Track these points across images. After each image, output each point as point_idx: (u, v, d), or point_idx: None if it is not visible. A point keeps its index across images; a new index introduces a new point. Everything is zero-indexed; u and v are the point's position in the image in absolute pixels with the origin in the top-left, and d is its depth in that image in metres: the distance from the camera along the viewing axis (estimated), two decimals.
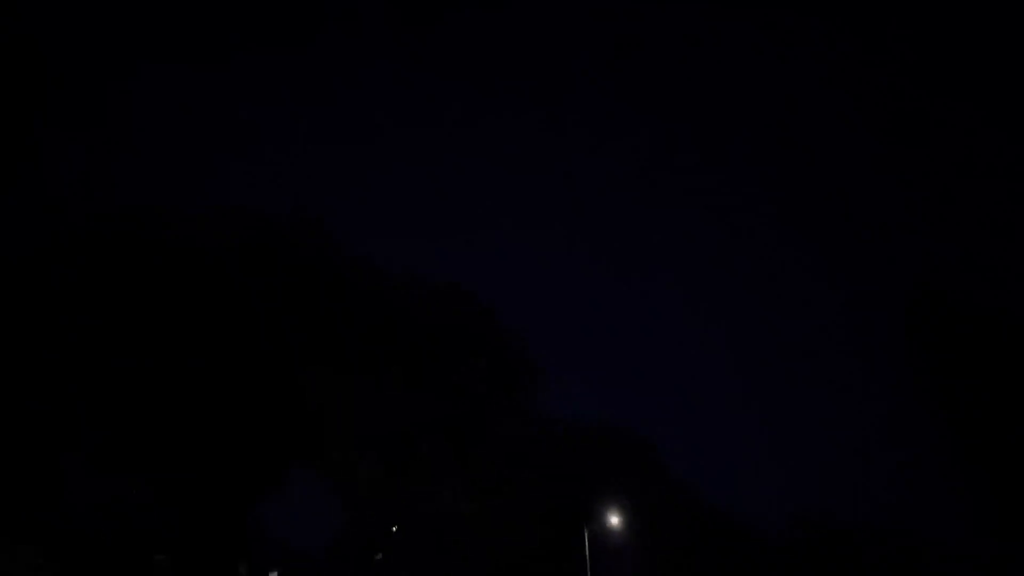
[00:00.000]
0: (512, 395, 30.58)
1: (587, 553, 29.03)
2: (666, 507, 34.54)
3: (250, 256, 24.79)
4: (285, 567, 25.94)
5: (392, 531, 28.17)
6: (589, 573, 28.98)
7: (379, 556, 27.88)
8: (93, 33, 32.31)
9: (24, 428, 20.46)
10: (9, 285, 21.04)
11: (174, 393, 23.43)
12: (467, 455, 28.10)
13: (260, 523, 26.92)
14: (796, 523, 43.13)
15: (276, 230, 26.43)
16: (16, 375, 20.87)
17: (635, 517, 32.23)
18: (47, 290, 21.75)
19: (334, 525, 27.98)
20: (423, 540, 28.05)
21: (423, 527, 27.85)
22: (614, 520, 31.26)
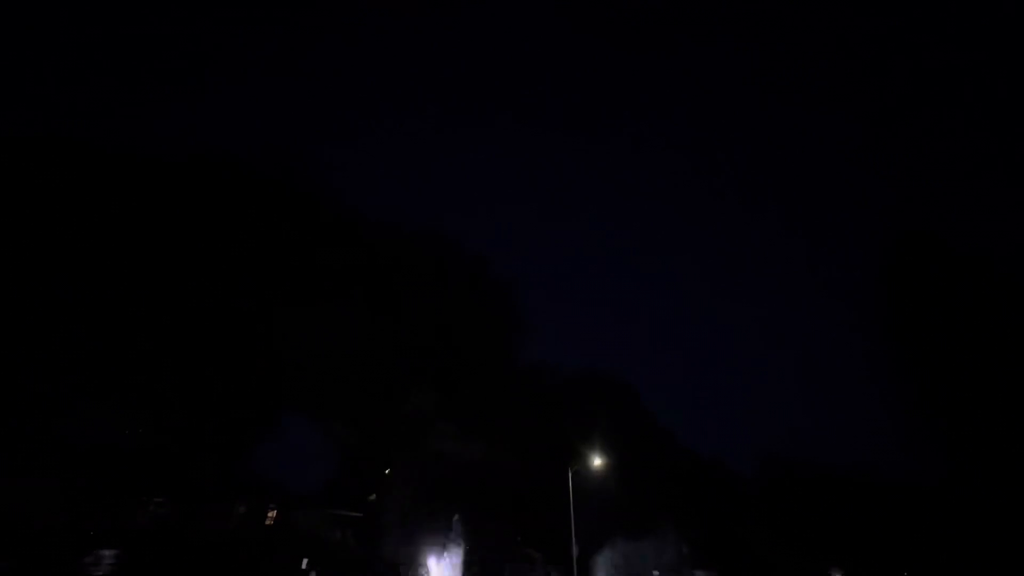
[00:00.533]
0: (501, 343, 31.40)
1: (570, 490, 30.47)
2: (647, 449, 36.30)
3: (252, 204, 24.71)
4: (282, 507, 26.90)
5: (385, 473, 29.29)
6: (572, 509, 30.43)
7: (373, 497, 29.05)
8: None
9: (32, 375, 20.76)
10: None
11: (167, 347, 23.77)
12: (456, 401, 29.04)
13: (258, 467, 27.86)
14: (766, 465, 45.69)
15: (273, 183, 26.32)
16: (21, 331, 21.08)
17: (617, 459, 33.84)
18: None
19: (329, 469, 29.06)
20: (415, 482, 29.24)
21: (414, 469, 28.97)
22: (597, 462, 32.78)
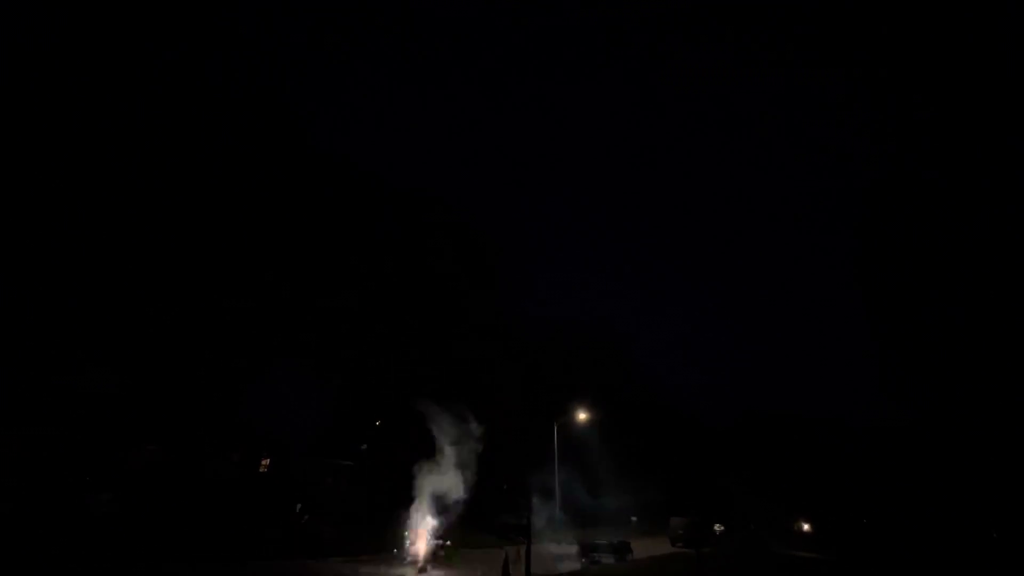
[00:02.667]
0: (492, 293, 31.72)
1: (555, 442, 31.58)
2: (632, 402, 37.53)
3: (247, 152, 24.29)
4: (276, 455, 27.63)
5: (376, 425, 30.08)
6: (557, 458, 31.59)
7: (364, 447, 29.92)
8: None
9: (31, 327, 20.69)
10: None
11: (159, 292, 23.75)
12: (448, 352, 29.55)
13: (251, 419, 28.38)
14: (742, 415, 47.74)
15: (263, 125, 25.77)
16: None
17: (604, 410, 34.99)
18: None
19: (322, 421, 29.66)
20: (405, 432, 30.05)
21: (406, 420, 29.71)
22: (582, 415, 33.88)
